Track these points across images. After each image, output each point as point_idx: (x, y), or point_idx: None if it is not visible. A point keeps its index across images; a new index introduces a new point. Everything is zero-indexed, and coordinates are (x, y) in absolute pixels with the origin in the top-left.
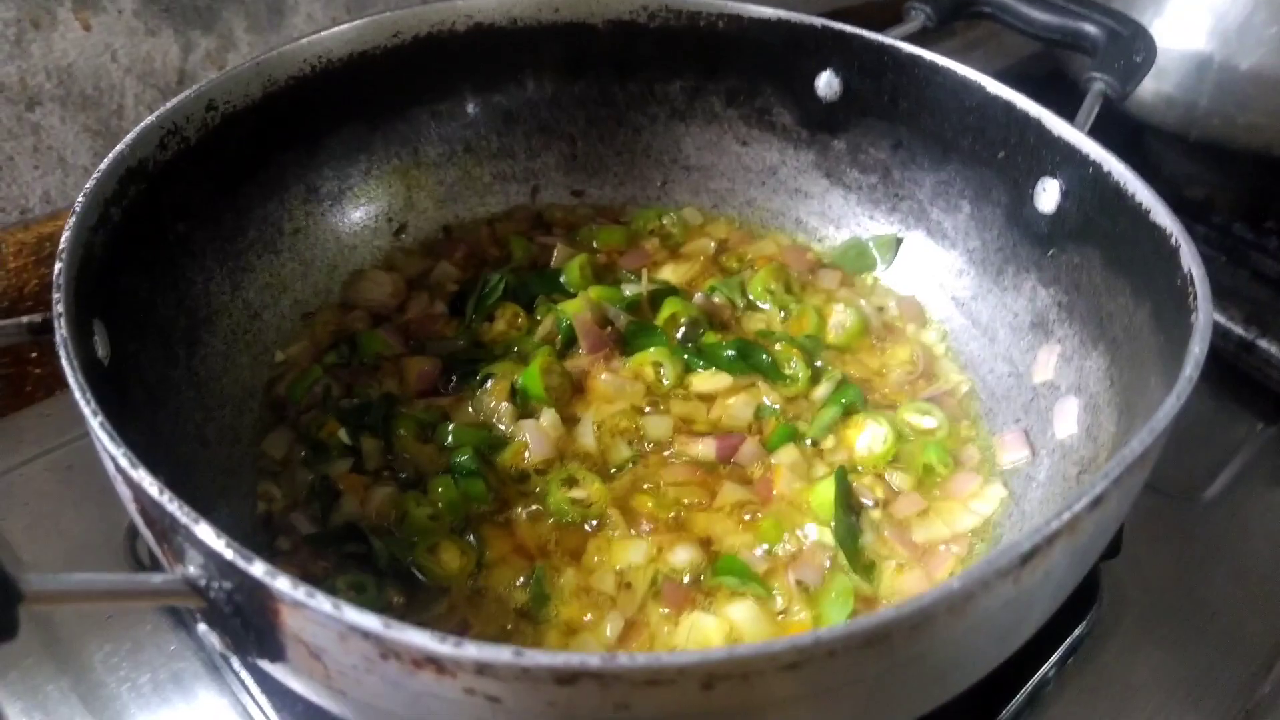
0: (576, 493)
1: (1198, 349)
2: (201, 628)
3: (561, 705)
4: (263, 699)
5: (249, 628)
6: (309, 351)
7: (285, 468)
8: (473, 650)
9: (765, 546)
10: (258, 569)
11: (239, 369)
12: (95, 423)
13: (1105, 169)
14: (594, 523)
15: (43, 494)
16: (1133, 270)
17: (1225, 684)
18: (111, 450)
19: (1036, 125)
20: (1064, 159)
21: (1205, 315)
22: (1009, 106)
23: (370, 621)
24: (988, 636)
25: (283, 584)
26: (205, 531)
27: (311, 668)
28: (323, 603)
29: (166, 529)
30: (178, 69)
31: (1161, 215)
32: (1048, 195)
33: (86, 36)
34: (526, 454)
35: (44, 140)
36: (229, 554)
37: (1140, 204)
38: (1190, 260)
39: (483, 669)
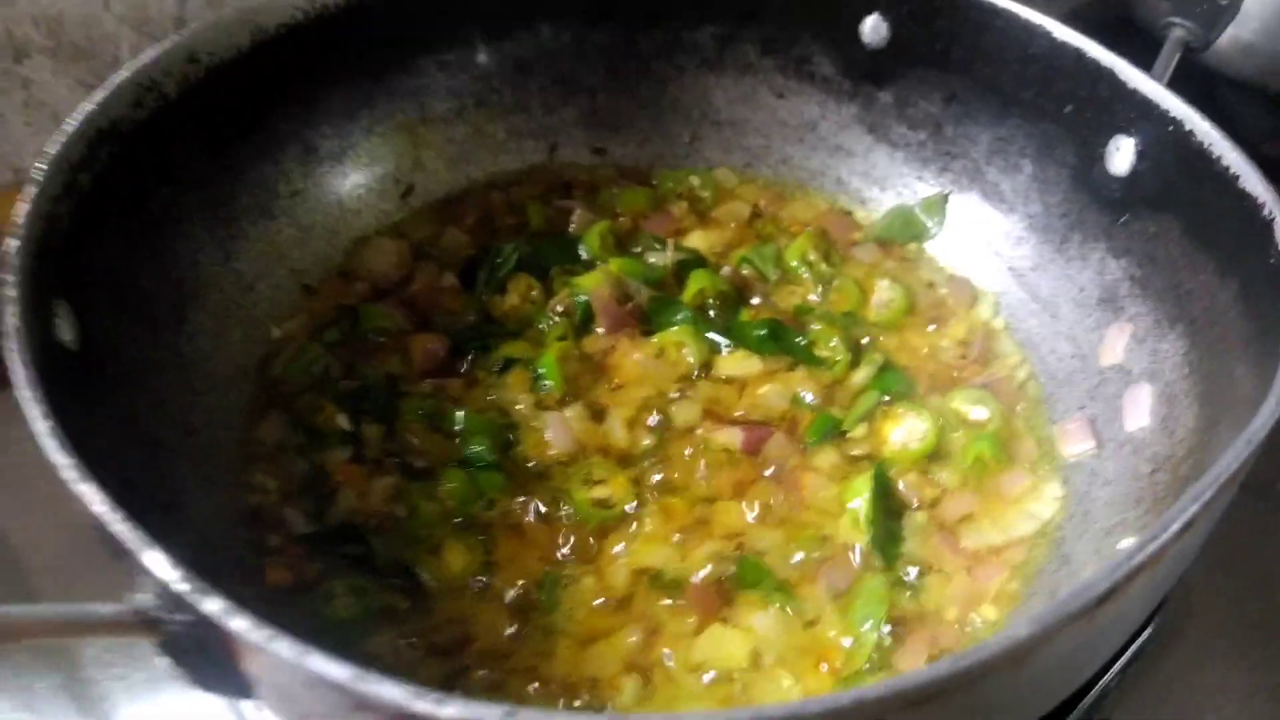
0: (599, 491)
1: None
2: (161, 663)
3: None
4: None
5: (213, 664)
6: (307, 327)
7: (278, 455)
8: (454, 711)
9: (794, 549)
10: (213, 605)
11: (230, 346)
12: (44, 428)
13: (1187, 128)
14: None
15: (40, 477)
16: (1217, 243)
17: None
18: (59, 460)
19: (1109, 76)
20: (1140, 115)
21: None
22: (1078, 55)
23: (338, 672)
24: (1052, 680)
25: (240, 624)
26: (156, 560)
27: (284, 709)
28: (284, 648)
29: (115, 551)
30: (174, 16)
31: (1253, 183)
32: (1121, 155)
33: None
34: (550, 447)
35: (35, 95)
36: (183, 587)
37: (1228, 169)
38: None
39: None
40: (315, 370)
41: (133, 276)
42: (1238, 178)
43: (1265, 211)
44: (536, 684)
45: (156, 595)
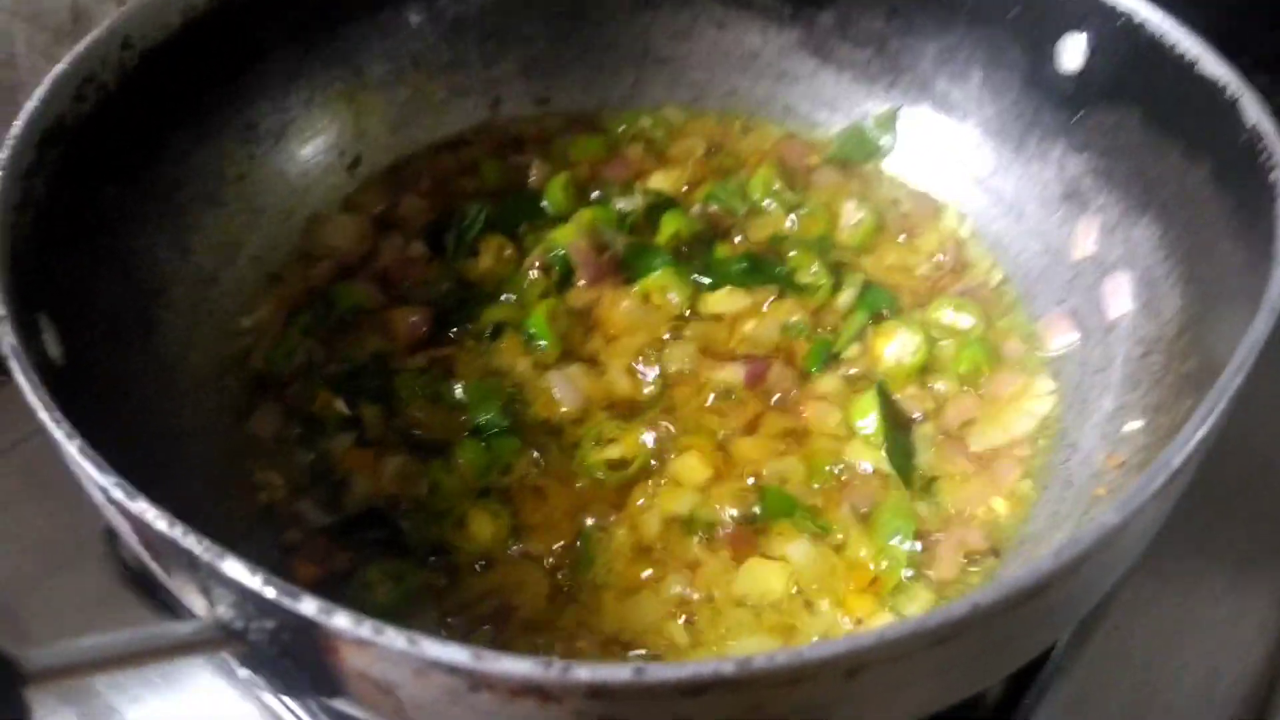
0: (611, 452)
1: None
2: (243, 673)
3: (687, 717)
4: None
5: (301, 667)
6: (278, 314)
7: (279, 449)
8: (585, 674)
9: (813, 477)
10: (308, 606)
11: (205, 343)
12: (73, 448)
13: (1139, 19)
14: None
15: (3, 503)
16: (1181, 128)
17: None
18: (101, 481)
19: None
20: (1090, 11)
21: None
22: None
23: (457, 654)
24: (1124, 556)
25: (342, 622)
26: (235, 568)
27: (379, 702)
28: (395, 639)
29: (183, 566)
30: (69, 6)
31: (1212, 65)
32: (1072, 52)
33: None
34: (560, 405)
35: None
36: (270, 592)
37: (1184, 55)
38: (1257, 114)
39: (596, 692)
40: (297, 358)
41: (97, 282)
42: (1195, 63)
43: (1228, 92)
44: (586, 640)
45: (232, 606)
